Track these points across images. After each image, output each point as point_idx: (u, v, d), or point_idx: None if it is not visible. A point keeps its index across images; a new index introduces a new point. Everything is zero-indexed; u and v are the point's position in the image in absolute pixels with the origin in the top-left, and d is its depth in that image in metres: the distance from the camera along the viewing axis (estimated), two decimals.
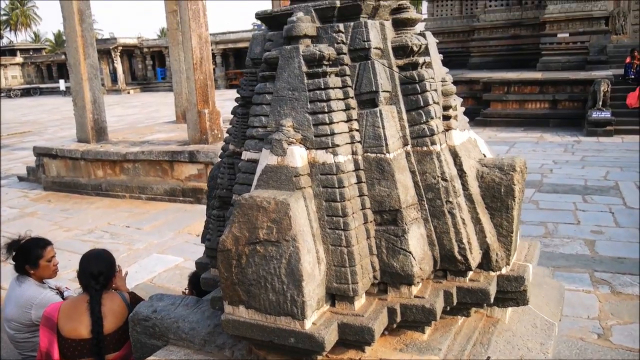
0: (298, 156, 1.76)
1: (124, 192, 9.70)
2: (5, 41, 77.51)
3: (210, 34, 36.01)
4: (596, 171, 9.50)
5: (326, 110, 1.78)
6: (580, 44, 16.70)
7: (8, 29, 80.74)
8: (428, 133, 1.85)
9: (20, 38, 79.11)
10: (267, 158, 1.80)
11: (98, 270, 2.76)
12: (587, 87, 13.98)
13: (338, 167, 1.75)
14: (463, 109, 2.12)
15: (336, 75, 1.85)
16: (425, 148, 1.85)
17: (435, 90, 1.93)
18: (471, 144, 2.04)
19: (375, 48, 1.85)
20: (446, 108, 1.96)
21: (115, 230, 7.92)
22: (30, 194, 10.63)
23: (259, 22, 2.20)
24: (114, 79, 43.41)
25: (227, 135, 2.21)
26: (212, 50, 38.63)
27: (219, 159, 2.24)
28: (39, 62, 54.06)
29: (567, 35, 16.80)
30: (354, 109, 1.85)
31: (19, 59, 55.60)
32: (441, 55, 2.10)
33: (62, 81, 42.95)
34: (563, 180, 9.05)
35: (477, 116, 15.17)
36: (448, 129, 1.94)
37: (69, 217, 8.85)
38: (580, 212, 7.35)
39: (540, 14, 17.55)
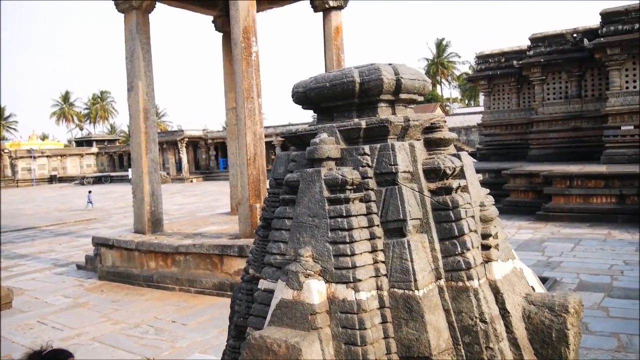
0: (315, 291, 1.58)
1: (174, 284, 9.69)
2: (84, 132, 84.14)
3: (272, 126, 37.65)
4: None
5: (348, 241, 1.62)
6: None
7: (88, 121, 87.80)
8: (464, 266, 1.64)
9: (98, 129, 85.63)
10: (282, 291, 1.64)
11: None
12: None
13: (359, 306, 1.56)
14: (505, 234, 1.90)
15: (360, 200, 1.71)
16: (460, 283, 1.64)
17: (473, 216, 1.74)
18: (516, 276, 1.81)
19: (404, 172, 1.71)
20: (485, 236, 1.75)
21: (161, 325, 7.80)
22: (85, 283, 10.81)
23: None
24: (179, 168, 45.55)
25: (249, 255, 2.08)
26: (272, 141, 40.13)
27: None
28: (112, 152, 57.83)
29: (632, 127, 16.21)
30: (379, 238, 1.68)
31: (94, 149, 59.85)
32: (479, 175, 1.93)
33: (130, 170, 45.50)
34: (636, 283, 8.28)
35: (538, 210, 14.54)
36: (488, 260, 1.73)
37: (119, 308, 8.85)
38: None
39: (602, 106, 17.13)
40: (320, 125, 1.87)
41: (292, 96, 1.97)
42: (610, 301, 7.54)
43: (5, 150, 55.44)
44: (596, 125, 17.88)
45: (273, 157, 41.34)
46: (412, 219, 1.68)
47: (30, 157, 56.61)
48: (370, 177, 1.74)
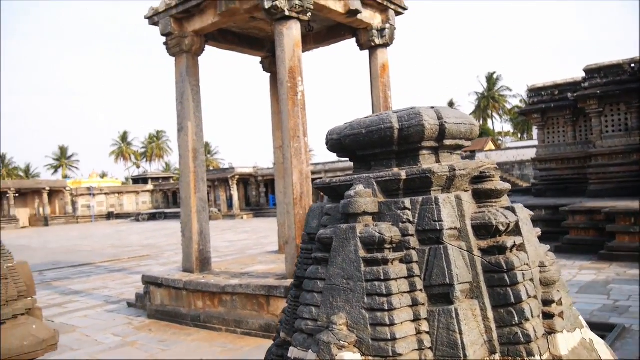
0: None
1: (220, 324, 9.58)
2: (141, 170, 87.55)
3: (320, 163, 37.81)
4: None
5: (387, 308, 1.43)
6: None
7: (145, 159, 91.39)
8: (522, 339, 1.41)
9: (154, 167, 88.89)
10: None
11: None
12: None
13: None
14: (570, 300, 1.65)
15: (401, 261, 1.51)
16: None
17: (532, 279, 1.51)
18: (586, 349, 1.55)
19: (450, 229, 1.51)
20: (547, 303, 1.52)
21: None
22: (134, 321, 10.87)
23: None
24: (230, 205, 46.29)
25: (282, 314, 1.91)
26: (321, 178, 40.46)
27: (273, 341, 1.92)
28: (166, 189, 59.59)
29: None
30: (422, 304, 1.47)
31: (149, 186, 61.93)
32: (538, 230, 1.70)
33: None
34: None
35: (601, 249, 13.70)
36: (551, 331, 1.49)
37: (165, 349, 8.80)
38: None
39: None
40: (356, 176, 1.70)
41: (327, 143, 1.82)
42: None
43: (67, 188, 58.15)
44: None
45: (322, 194, 41.44)
46: (460, 283, 1.47)
47: (90, 194, 59.05)
48: (412, 235, 1.54)
